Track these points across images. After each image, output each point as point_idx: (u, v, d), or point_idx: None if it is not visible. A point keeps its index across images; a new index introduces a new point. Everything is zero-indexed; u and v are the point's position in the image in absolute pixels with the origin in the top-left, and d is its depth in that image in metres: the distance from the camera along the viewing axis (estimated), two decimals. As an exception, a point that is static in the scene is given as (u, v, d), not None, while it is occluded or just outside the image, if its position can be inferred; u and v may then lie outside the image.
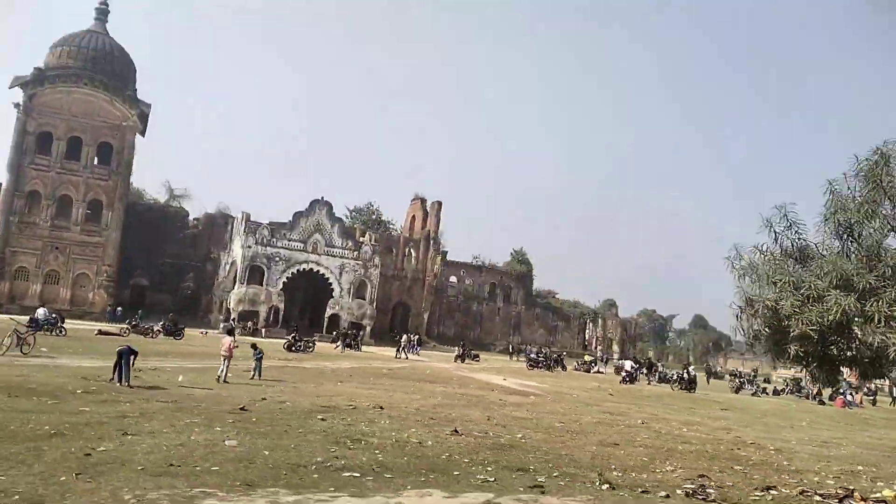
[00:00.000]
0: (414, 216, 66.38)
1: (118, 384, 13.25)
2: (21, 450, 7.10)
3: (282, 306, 49.58)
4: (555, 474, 7.73)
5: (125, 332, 32.85)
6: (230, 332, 17.56)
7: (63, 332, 27.23)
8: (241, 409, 11.57)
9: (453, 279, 73.82)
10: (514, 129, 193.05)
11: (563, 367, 39.64)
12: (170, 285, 57.30)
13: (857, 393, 34.33)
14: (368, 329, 52.06)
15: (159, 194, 62.24)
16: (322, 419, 11.13)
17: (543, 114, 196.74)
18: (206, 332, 41.86)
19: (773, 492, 7.28)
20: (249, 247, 48.42)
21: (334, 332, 44.42)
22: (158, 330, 34.51)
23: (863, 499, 6.70)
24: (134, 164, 50.29)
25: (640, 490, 6.87)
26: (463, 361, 37.11)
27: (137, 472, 6.47)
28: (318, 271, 50.95)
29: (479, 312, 77.49)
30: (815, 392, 37.47)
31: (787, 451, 11.56)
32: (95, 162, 48.96)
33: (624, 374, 32.43)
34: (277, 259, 49.36)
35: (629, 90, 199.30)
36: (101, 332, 30.89)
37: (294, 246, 50.13)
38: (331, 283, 51.35)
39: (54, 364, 16.71)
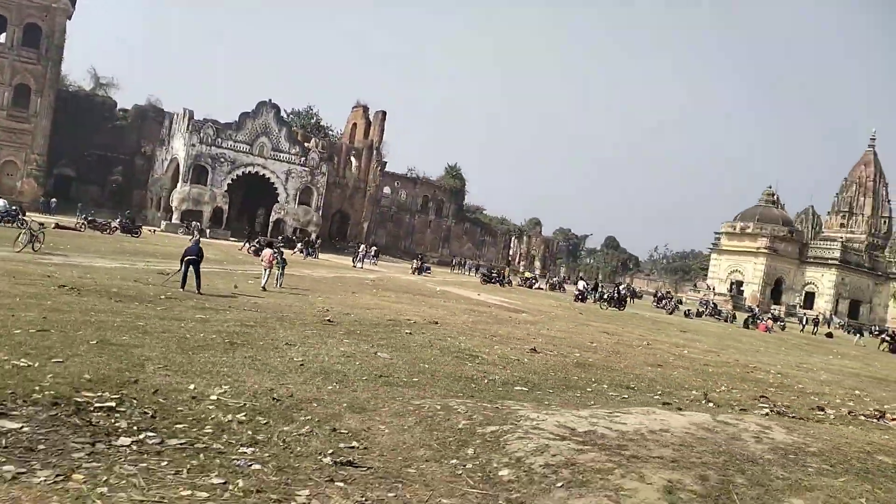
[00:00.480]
0: (355, 124, 65.82)
1: (184, 290, 14.01)
2: (234, 359, 7.98)
3: (226, 208, 49.19)
4: (659, 393, 9.79)
5: (81, 227, 32.30)
6: (270, 245, 18.52)
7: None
8: (328, 321, 12.68)
9: (387, 190, 74.57)
10: (463, 48, 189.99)
11: (510, 283, 42.51)
12: (97, 177, 54.87)
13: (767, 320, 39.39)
14: (314, 236, 52.66)
15: (84, 82, 58.19)
16: (409, 333, 12.61)
17: (496, 37, 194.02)
18: (155, 230, 41.40)
19: (823, 412, 9.66)
20: (194, 145, 47.12)
21: (301, 240, 44.60)
22: (115, 227, 33.96)
23: (893, 418, 9.16)
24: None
25: (738, 408, 9.01)
26: (419, 274, 39.02)
27: (369, 380, 7.87)
28: (263, 175, 50.47)
29: (412, 224, 79.00)
30: (731, 316, 42.52)
31: (786, 375, 14.34)
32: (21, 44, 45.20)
33: (577, 292, 35.49)
34: (222, 160, 48.43)
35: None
36: (58, 227, 30.20)
37: (240, 148, 49.20)
38: (276, 188, 51.10)
39: (77, 264, 16.97)
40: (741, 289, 65.63)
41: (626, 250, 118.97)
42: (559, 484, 4.46)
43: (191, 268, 14.34)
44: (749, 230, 66.08)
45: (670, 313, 38.50)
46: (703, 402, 9.29)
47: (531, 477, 4.64)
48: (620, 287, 39.52)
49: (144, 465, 4.08)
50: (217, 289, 15.55)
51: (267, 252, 17.51)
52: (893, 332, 37.80)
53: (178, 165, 49.29)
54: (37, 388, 5.36)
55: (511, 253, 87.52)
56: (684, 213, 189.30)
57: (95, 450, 4.25)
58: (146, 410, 5.27)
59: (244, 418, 5.49)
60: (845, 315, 62.31)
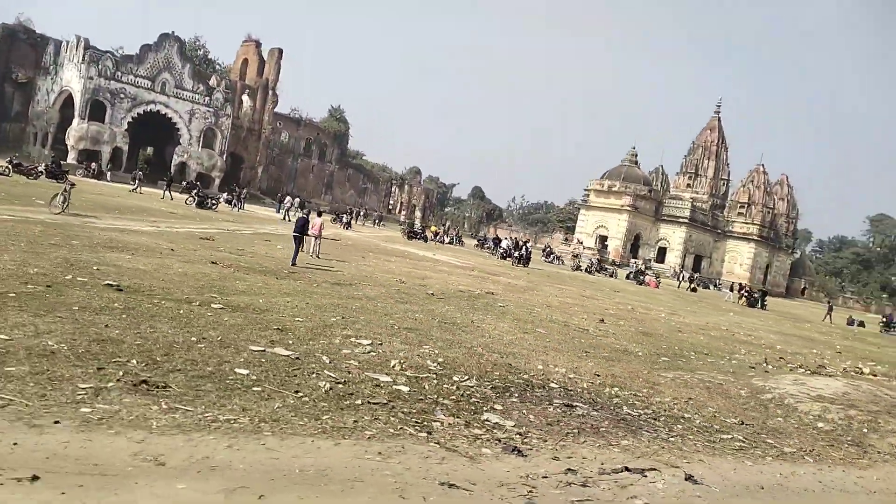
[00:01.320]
0: (246, 59, 64.91)
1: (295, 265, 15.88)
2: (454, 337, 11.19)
3: (126, 148, 48.13)
4: (726, 359, 14.02)
5: (6, 172, 31.09)
6: (319, 214, 20.08)
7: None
8: (432, 294, 14.81)
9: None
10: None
11: (426, 239, 46.36)
12: (-47, 106, 50.17)
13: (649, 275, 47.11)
14: (217, 182, 52.62)
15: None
16: (502, 306, 15.89)
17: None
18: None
19: (826, 370, 14.54)
20: (91, 78, 45.40)
21: (233, 190, 44.54)
22: (41, 171, 32.91)
23: (873, 374, 14.37)
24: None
25: (788, 368, 13.71)
26: (348, 228, 41.63)
27: (596, 357, 11.67)
28: (165, 114, 49.51)
29: (294, 168, 79.19)
30: (614, 271, 49.89)
31: (754, 336, 19.63)
32: None
33: (502, 250, 40.20)
34: (122, 96, 47.09)
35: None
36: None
37: (141, 83, 48.02)
38: (178, 129, 50.25)
39: (115, 227, 17.53)
40: (605, 243, 74.79)
41: (491, 201, 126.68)
42: (864, 430, 8.30)
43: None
44: (615, 188, 75.07)
45: (575, 269, 44.76)
46: (765, 365, 13.22)
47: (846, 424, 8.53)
48: (527, 245, 44.99)
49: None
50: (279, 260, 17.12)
51: (317, 221, 19.04)
52: (749, 288, 47.03)
53: (68, 98, 46.83)
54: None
55: (392, 201, 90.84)
56: (545, 166, 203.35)
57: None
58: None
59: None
60: (690, 269, 73.59)
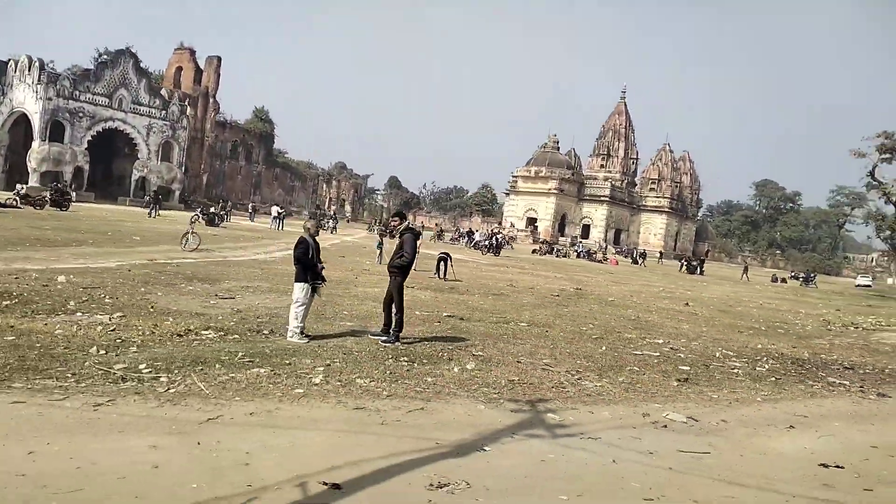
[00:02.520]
0: (180, 67, 65.26)
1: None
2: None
3: (87, 167, 48.39)
4: (808, 326, 20.05)
5: (14, 203, 31.56)
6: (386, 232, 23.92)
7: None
8: (557, 295, 20.24)
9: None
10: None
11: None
12: None
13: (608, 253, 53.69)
14: (178, 193, 53.91)
15: None
16: (611, 301, 20.99)
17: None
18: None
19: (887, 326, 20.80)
20: (50, 99, 45.60)
21: (220, 204, 46.05)
22: (47, 200, 34.00)
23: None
24: None
25: (852, 327, 19.57)
26: (335, 232, 45.08)
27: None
28: (123, 130, 50.15)
29: (223, 171, 80.00)
30: (566, 252, 56.16)
31: (767, 303, 25.84)
32: None
33: (486, 243, 44.98)
34: (81, 115, 47.55)
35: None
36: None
37: (99, 101, 48.55)
38: (136, 144, 51.16)
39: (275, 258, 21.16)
40: (535, 224, 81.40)
41: (408, 189, 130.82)
42: None
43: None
44: (542, 174, 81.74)
45: (544, 254, 50.51)
46: (830, 328, 19.36)
47: None
48: (498, 236, 49.92)
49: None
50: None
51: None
52: (689, 258, 54.71)
53: (19, 119, 46.68)
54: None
55: (321, 197, 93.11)
56: (454, 152, 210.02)
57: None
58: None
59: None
60: (612, 242, 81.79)
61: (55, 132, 46.40)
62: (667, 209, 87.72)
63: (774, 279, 52.24)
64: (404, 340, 8.81)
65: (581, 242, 72.57)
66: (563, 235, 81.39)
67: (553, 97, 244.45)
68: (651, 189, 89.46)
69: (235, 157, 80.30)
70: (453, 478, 4.34)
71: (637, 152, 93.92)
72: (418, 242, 9.74)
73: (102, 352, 6.63)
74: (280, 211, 44.94)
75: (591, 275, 32.32)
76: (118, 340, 7.21)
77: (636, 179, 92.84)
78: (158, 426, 4.78)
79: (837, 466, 5.46)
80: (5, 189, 41.64)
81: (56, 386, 5.38)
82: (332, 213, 51.87)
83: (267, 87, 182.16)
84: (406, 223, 9.36)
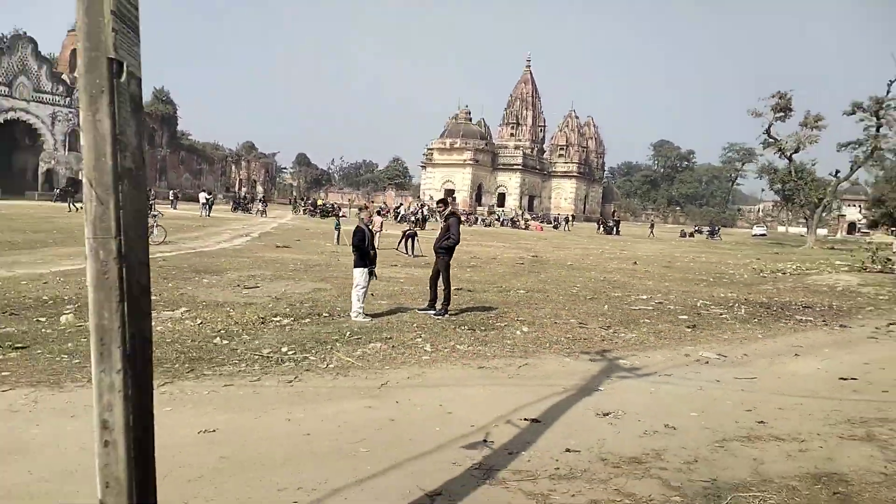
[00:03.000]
0: (75, 50, 61.42)
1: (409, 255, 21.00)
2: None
3: (-11, 162, 45.64)
4: (746, 274, 22.38)
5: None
6: (379, 213, 24.64)
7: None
8: (521, 263, 21.91)
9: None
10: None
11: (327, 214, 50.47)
12: None
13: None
14: (91, 184, 51.65)
15: None
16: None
17: None
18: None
19: (820, 270, 23.48)
20: (-58, 88, 42.44)
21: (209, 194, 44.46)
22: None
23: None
24: None
25: (786, 272, 22.10)
26: (264, 216, 44.92)
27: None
28: (26, 121, 47.56)
29: (127, 157, 76.84)
30: (490, 222, 58.16)
31: (694, 258, 28.37)
32: None
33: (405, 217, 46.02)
34: (-22, 106, 44.52)
35: None
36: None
37: (-2, 90, 45.49)
38: (41, 135, 48.65)
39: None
40: (454, 195, 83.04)
41: (318, 166, 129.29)
42: None
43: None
44: (457, 145, 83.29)
45: (482, 224, 52.15)
46: (761, 275, 21.99)
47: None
48: (424, 209, 50.96)
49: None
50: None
51: (378, 219, 23.89)
52: (604, 219, 57.86)
53: None
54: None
55: (231, 179, 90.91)
56: (361, 127, 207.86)
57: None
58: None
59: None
60: (527, 209, 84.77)
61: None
62: (575, 174, 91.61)
63: (683, 234, 56.41)
64: (450, 312, 9.97)
65: (502, 211, 74.95)
66: (480, 205, 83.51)
67: (460, 66, 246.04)
68: (560, 155, 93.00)
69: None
70: (607, 408, 5.64)
71: (544, 120, 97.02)
72: (460, 226, 10.82)
73: (225, 341, 7.45)
74: (208, 197, 44.20)
75: (530, 242, 34.20)
76: (221, 331, 8.00)
77: (545, 146, 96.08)
78: (352, 393, 5.79)
79: (852, 378, 7.16)
80: None
81: (237, 371, 6.24)
82: (260, 196, 51.33)
83: (166, 65, 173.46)
84: (450, 208, 10.45)
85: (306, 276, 13.98)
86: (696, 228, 66.75)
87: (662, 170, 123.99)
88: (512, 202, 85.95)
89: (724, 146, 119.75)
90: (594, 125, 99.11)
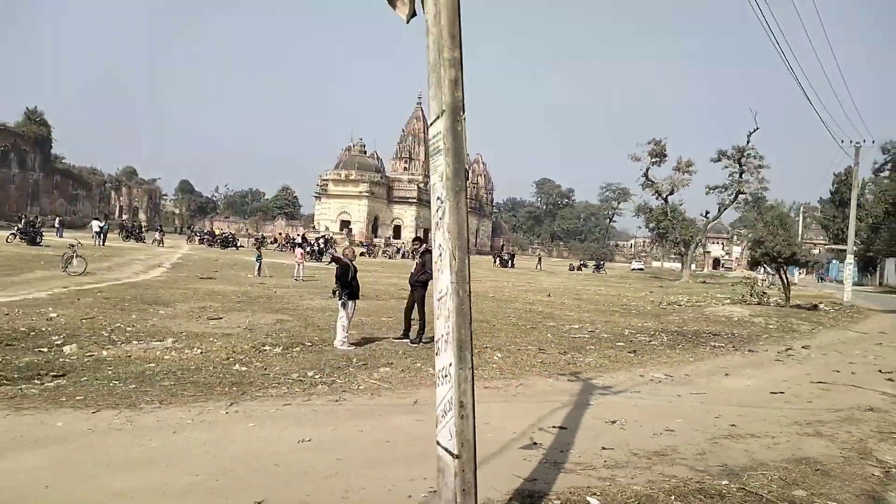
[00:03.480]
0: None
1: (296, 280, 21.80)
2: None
3: None
4: (648, 306, 24.44)
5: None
6: (300, 246, 25.26)
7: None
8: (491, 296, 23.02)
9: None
10: None
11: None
12: None
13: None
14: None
15: None
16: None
17: None
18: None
19: (718, 303, 25.85)
20: None
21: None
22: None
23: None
24: None
25: (686, 305, 24.35)
26: (161, 245, 43.60)
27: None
28: None
29: (-9, 180, 72.24)
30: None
31: (601, 294, 30.52)
32: None
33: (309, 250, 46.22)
34: None
35: None
36: None
37: None
38: None
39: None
40: (350, 227, 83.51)
41: (202, 193, 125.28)
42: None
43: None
44: (353, 177, 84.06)
45: (385, 256, 52.84)
46: (665, 307, 24.24)
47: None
48: (320, 241, 51.21)
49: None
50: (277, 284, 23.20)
51: (298, 251, 24.84)
52: (500, 253, 60.26)
53: None
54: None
55: (111, 206, 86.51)
56: (248, 153, 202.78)
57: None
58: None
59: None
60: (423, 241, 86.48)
61: None
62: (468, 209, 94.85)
63: (571, 268, 60.03)
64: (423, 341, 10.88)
65: (401, 243, 76.16)
66: (377, 237, 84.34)
67: (350, 97, 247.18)
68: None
69: (6, 164, 72.47)
70: (609, 417, 6.80)
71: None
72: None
73: (244, 368, 8.01)
74: (101, 225, 42.27)
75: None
76: (228, 359, 8.52)
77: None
78: (394, 409, 6.62)
79: (780, 392, 8.77)
80: None
81: (283, 392, 6.90)
82: (158, 224, 49.59)
83: (41, 84, 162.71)
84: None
85: (258, 308, 14.38)
86: (582, 263, 70.95)
87: (545, 206, 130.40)
88: (408, 234, 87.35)
89: (601, 185, 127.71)
90: (482, 162, 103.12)
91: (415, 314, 11.01)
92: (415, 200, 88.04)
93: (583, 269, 61.32)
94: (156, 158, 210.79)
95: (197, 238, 50.88)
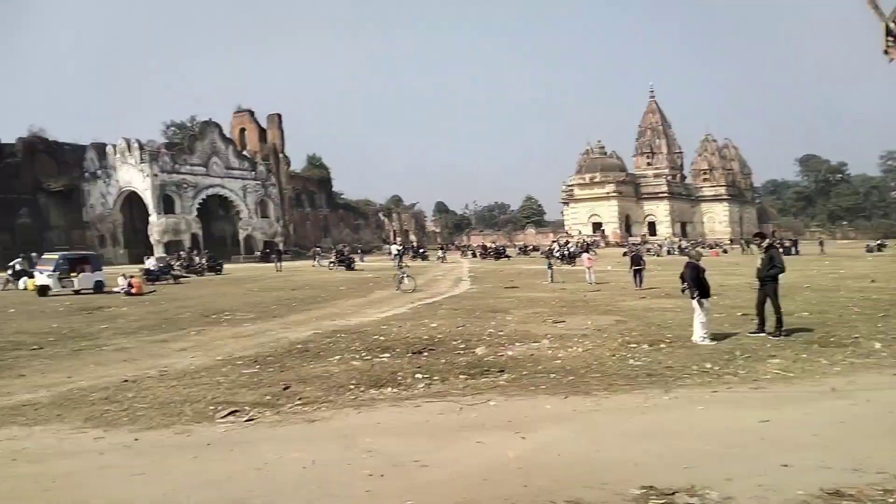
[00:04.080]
0: (243, 129, 68.48)
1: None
2: None
3: (200, 232, 51.57)
4: None
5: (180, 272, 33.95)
6: (587, 250, 26.54)
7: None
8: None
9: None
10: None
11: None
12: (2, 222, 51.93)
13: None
14: (282, 245, 56.98)
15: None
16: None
17: None
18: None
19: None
20: (156, 175, 48.89)
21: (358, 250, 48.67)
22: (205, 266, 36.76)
23: None
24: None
25: None
26: (415, 259, 47.28)
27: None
28: (222, 195, 53.44)
29: (292, 219, 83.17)
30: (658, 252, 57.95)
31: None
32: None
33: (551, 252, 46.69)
34: (185, 185, 50.83)
35: None
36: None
37: (197, 171, 51.94)
38: (236, 205, 54.37)
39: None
40: (602, 228, 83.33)
41: (455, 212, 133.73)
42: None
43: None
44: (597, 179, 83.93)
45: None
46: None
47: None
48: (569, 246, 51.94)
49: None
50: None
51: (586, 256, 25.85)
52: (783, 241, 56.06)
53: (128, 197, 50.12)
54: None
55: (385, 231, 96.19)
56: (483, 170, 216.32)
57: None
58: None
59: None
60: (681, 235, 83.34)
61: (165, 204, 49.86)
62: (725, 196, 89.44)
63: (869, 249, 53.53)
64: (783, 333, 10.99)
65: (671, 240, 74.62)
66: (630, 235, 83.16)
67: (573, 103, 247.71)
68: (705, 179, 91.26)
69: (301, 204, 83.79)
70: None
71: (679, 146, 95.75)
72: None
73: (638, 362, 8.97)
74: (399, 248, 46.64)
75: (737, 266, 34.14)
76: (613, 356, 9.53)
77: (685, 172, 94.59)
78: (819, 395, 7.04)
79: None
80: (132, 262, 44.63)
81: (699, 382, 7.71)
82: (440, 243, 54.86)
83: (311, 131, 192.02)
84: (768, 240, 11.63)
85: (586, 311, 15.47)
86: (880, 242, 62.95)
87: (814, 185, 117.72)
88: (663, 230, 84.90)
89: (881, 154, 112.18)
90: (733, 146, 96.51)
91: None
92: (665, 195, 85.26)
93: (882, 248, 54.34)
94: (415, 187, 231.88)
95: (471, 252, 54.70)
